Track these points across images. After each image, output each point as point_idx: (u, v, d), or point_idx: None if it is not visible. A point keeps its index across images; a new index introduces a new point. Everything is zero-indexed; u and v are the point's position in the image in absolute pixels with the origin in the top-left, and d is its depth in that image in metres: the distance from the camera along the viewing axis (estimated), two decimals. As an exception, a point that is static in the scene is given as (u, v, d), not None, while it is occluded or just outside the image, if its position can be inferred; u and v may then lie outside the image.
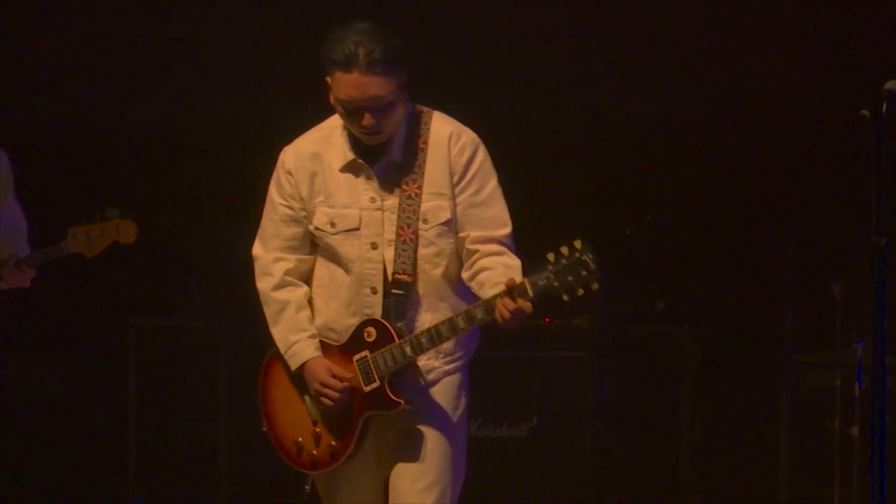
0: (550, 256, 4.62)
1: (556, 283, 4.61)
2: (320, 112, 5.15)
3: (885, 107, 4.72)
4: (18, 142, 6.41)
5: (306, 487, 5.09)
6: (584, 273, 4.59)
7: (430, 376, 4.92)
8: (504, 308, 4.63)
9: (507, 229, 4.89)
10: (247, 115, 8.11)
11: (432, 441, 4.89)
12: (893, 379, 7.08)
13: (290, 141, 5.14)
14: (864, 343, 7.03)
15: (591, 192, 8.09)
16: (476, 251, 4.85)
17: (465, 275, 4.88)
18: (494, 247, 4.85)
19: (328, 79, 4.82)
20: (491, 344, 7.41)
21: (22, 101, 7.91)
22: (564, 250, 4.61)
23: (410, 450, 4.88)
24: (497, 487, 7.33)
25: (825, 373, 7.42)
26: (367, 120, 4.76)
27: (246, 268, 5.77)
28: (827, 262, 7.51)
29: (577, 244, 4.61)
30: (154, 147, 8.20)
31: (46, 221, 6.24)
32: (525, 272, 4.70)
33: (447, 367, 4.95)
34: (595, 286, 4.60)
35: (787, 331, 7.67)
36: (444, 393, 4.94)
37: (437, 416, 4.92)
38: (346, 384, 4.85)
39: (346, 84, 4.74)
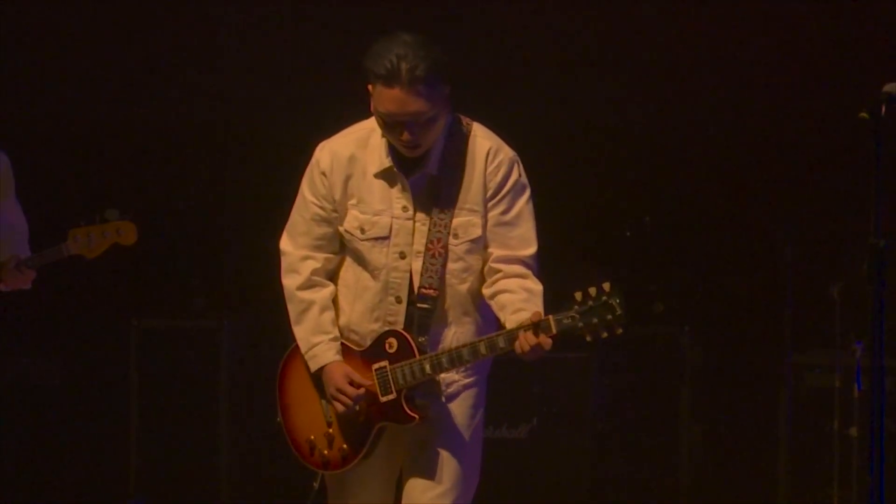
0: (578, 295, 4.62)
1: (580, 324, 4.61)
2: (324, 116, 5.15)
3: (883, 109, 4.73)
4: (19, 143, 6.42)
5: (315, 484, 5.10)
6: (609, 317, 4.60)
7: (450, 389, 4.91)
8: (525, 341, 4.63)
9: (532, 249, 4.86)
10: (250, 117, 8.12)
11: (448, 450, 4.89)
12: (892, 380, 7.10)
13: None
14: (863, 344, 7.04)
15: (591, 194, 8.10)
16: (499, 271, 4.83)
17: (485, 291, 4.86)
18: (517, 268, 4.83)
19: (370, 86, 4.76)
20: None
21: (22, 102, 7.92)
22: (592, 291, 4.61)
23: (426, 458, 4.88)
24: (497, 489, 7.31)
25: (824, 374, 7.42)
26: (406, 135, 4.72)
27: (246, 270, 5.79)
28: (826, 263, 7.51)
29: (606, 286, 4.61)
30: (156, 149, 8.21)
31: (47, 223, 6.24)
32: (550, 308, 4.69)
33: (467, 381, 4.94)
34: (619, 331, 4.61)
35: (786, 332, 7.67)
36: (462, 404, 4.93)
37: (453, 427, 4.91)
38: (362, 392, 4.84)
39: (387, 99, 4.69)
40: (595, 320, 4.60)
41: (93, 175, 8.08)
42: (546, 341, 4.62)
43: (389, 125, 4.75)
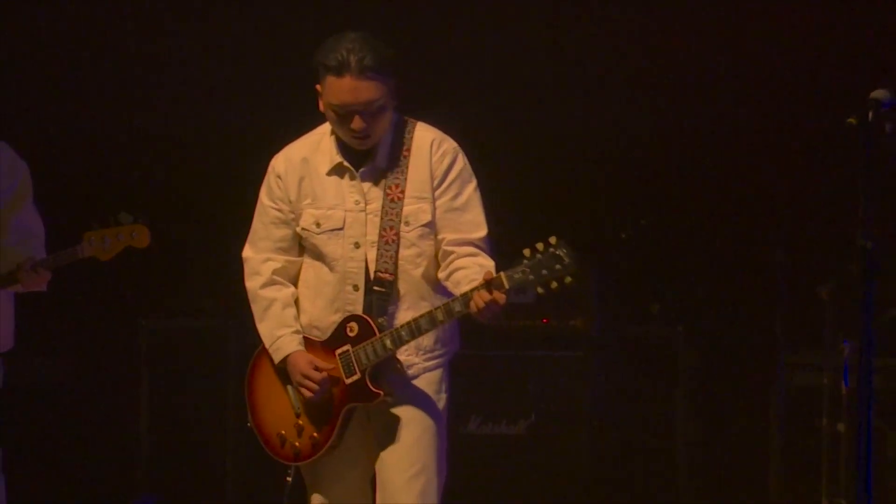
0: (526, 252, 4.68)
1: (530, 277, 4.66)
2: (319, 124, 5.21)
3: (870, 115, 4.78)
4: (36, 149, 6.48)
5: (287, 479, 5.15)
6: (557, 267, 4.64)
7: (411, 371, 5.00)
8: (480, 300, 4.70)
9: (483, 232, 4.98)
10: (253, 127, 8.13)
11: (415, 433, 4.97)
12: (879, 378, 7.14)
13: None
14: (851, 343, 7.07)
15: (588, 197, 8.12)
16: (452, 252, 4.94)
17: (441, 275, 4.97)
18: (469, 248, 4.94)
19: (318, 86, 4.92)
20: (489, 344, 7.52)
21: (38, 111, 7.94)
22: (540, 246, 4.68)
23: (394, 442, 4.96)
24: (495, 483, 7.37)
25: (813, 372, 7.44)
26: (357, 123, 4.85)
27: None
28: (815, 265, 7.53)
29: (552, 240, 4.67)
30: (165, 156, 8.23)
31: (61, 226, 6.30)
32: (502, 268, 4.75)
33: (427, 364, 5.03)
34: (568, 279, 4.65)
35: (777, 332, 7.70)
36: (425, 388, 5.02)
37: (418, 410, 5.00)
38: (326, 375, 4.91)
39: (338, 88, 4.84)
40: (544, 272, 4.65)
41: (106, 180, 8.11)
42: (500, 296, 4.68)
43: (341, 116, 4.88)
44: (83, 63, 8.12)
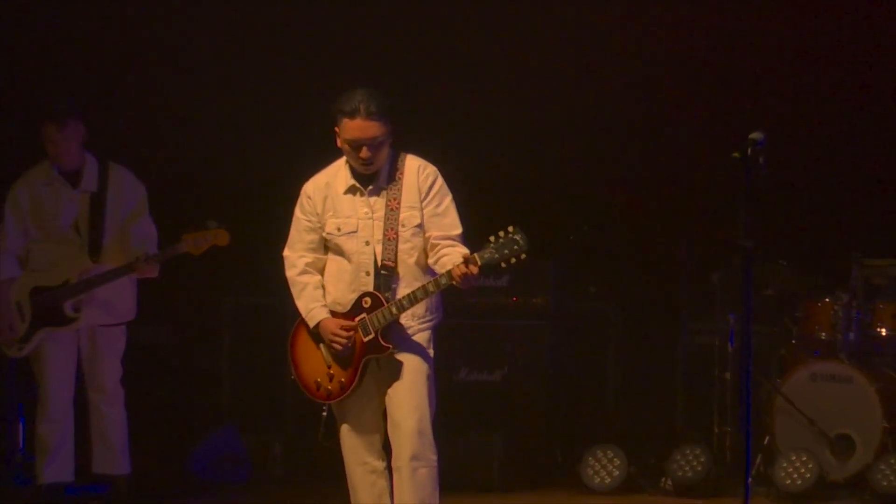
0: (491, 238, 4.82)
1: (496, 255, 4.80)
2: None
3: (749, 150, 4.85)
4: (148, 175, 6.53)
5: (323, 412, 5.23)
6: (515, 247, 4.79)
7: (409, 331, 5.09)
8: (458, 272, 4.82)
9: (459, 230, 5.10)
10: (300, 160, 8.10)
11: (413, 376, 5.05)
12: (755, 340, 7.16)
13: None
14: (735, 315, 7.10)
15: (546, 210, 8.12)
16: (438, 244, 5.05)
17: (430, 260, 5.08)
18: (450, 241, 5.05)
19: (337, 128, 5.03)
20: (475, 315, 7.51)
21: (149, 145, 7.93)
22: (501, 233, 4.82)
23: (399, 383, 5.05)
24: (478, 415, 7.39)
25: (708, 335, 7.45)
26: (365, 153, 4.97)
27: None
28: (709, 258, 7.56)
29: (510, 228, 4.82)
30: (239, 177, 8.20)
31: (165, 229, 6.34)
32: (475, 249, 4.88)
33: (420, 327, 5.12)
34: (523, 256, 4.78)
35: (682, 306, 7.72)
36: (418, 344, 5.10)
37: (415, 359, 5.08)
38: (351, 333, 4.99)
39: (351, 128, 4.97)
40: (506, 251, 4.79)
41: (196, 195, 8.09)
42: (473, 269, 4.80)
43: (353, 148, 5.00)
44: (187, 109, 8.08)
